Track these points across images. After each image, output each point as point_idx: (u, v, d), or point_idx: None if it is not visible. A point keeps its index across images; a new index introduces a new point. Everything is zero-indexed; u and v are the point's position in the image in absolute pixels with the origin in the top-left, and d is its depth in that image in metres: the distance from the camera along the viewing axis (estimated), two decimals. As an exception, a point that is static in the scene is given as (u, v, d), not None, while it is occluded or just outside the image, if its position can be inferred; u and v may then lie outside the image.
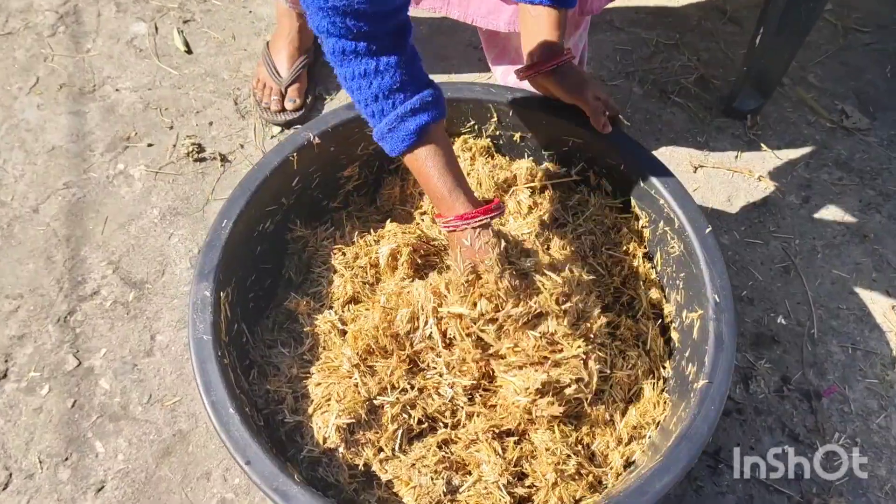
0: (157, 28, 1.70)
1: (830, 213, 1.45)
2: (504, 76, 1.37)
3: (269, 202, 1.09)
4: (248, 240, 1.07)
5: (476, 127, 1.21)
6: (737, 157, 1.52)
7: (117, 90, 1.60)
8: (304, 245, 1.16)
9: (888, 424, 1.22)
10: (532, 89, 1.14)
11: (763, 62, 1.45)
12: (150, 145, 1.52)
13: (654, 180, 1.07)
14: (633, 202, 1.14)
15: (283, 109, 1.53)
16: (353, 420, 0.96)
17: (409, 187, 1.22)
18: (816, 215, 1.45)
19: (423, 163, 0.91)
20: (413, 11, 1.03)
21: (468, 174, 1.17)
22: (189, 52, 1.67)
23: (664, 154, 1.52)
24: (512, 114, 1.17)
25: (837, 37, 1.71)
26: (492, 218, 0.93)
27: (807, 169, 1.51)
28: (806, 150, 1.53)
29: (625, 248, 1.15)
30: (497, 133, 1.22)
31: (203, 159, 1.50)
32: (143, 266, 1.37)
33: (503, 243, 0.94)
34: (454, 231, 0.93)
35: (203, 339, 0.94)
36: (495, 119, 1.19)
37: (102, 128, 1.54)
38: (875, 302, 1.34)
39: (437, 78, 0.97)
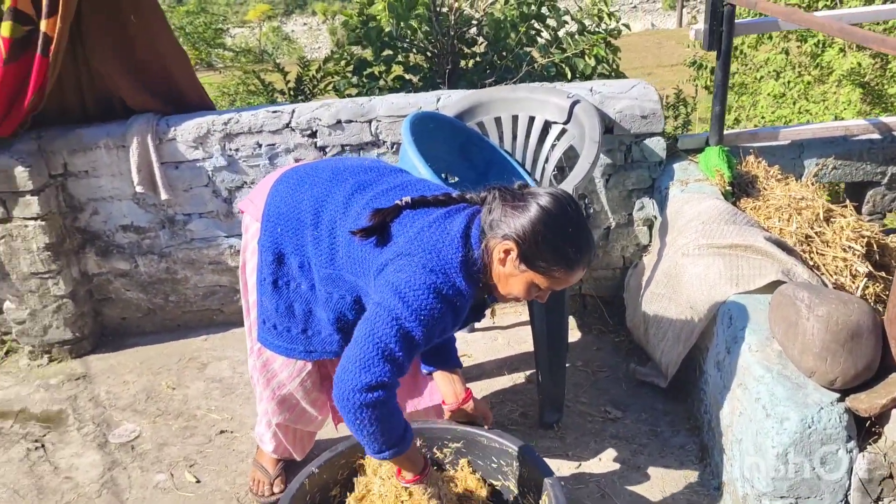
0: (172, 474, 2.55)
1: (619, 462, 2.43)
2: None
3: (299, 506, 1.91)
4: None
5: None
6: (557, 448, 2.52)
7: (155, 515, 2.38)
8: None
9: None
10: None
11: (548, 391, 2.57)
12: (188, 538, 2.26)
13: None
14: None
15: (273, 493, 2.37)
16: None
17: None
18: (609, 468, 2.42)
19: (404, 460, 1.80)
20: None
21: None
22: (198, 481, 2.51)
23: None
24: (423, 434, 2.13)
25: (590, 377, 2.90)
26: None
27: (597, 443, 2.53)
28: (592, 434, 2.57)
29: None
30: (420, 443, 2.14)
31: (227, 535, 2.25)
32: None
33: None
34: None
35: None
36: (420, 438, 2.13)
37: (151, 538, 2.28)
38: None
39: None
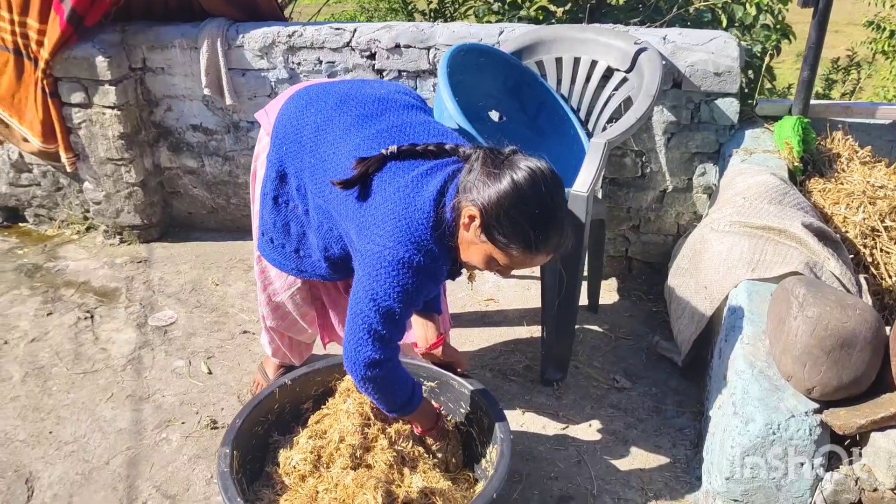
0: (190, 362, 2.72)
1: (608, 432, 2.35)
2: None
3: (260, 415, 1.99)
4: (248, 433, 1.93)
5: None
6: (550, 406, 2.46)
7: (164, 397, 2.55)
8: (278, 446, 2.01)
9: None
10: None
11: (552, 349, 2.49)
12: (182, 423, 2.42)
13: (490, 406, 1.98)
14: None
15: (268, 397, 2.48)
16: None
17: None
18: (595, 436, 2.34)
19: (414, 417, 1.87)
20: None
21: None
22: (210, 373, 2.66)
23: (503, 406, 2.44)
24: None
25: (612, 342, 2.79)
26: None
27: (593, 409, 2.44)
28: (592, 400, 2.49)
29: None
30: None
31: (217, 427, 2.39)
32: (176, 486, 2.17)
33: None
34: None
35: (224, 470, 1.76)
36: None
37: (154, 417, 2.45)
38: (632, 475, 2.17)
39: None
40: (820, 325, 1.54)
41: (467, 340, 2.80)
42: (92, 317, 2.99)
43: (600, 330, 2.85)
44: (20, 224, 3.75)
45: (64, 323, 2.95)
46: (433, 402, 2.08)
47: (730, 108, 2.72)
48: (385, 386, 1.76)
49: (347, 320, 1.72)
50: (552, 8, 4.15)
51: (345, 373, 2.09)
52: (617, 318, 2.93)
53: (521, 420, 2.40)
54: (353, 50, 3.01)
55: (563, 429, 2.37)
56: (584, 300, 2.97)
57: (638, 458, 2.25)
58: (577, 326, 2.84)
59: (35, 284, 3.23)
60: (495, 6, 4.22)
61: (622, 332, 2.84)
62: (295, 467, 1.86)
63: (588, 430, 2.36)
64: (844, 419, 1.54)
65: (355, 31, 2.99)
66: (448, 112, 2.30)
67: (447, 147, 1.70)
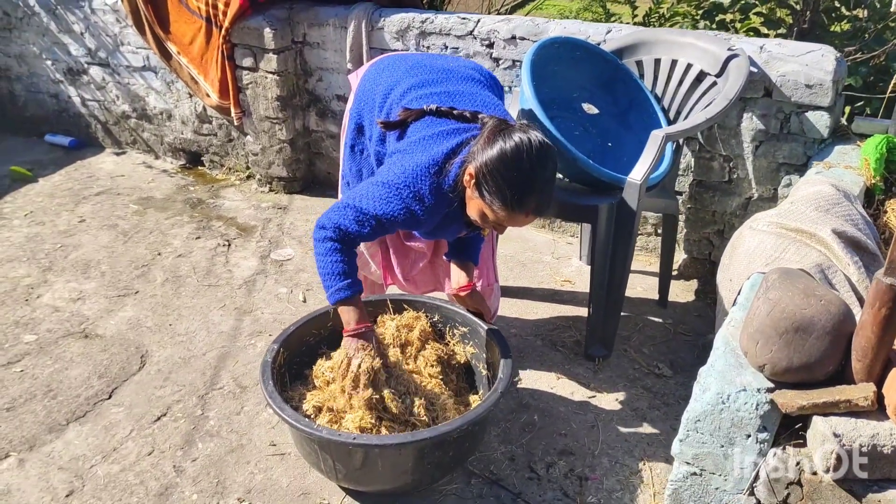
0: (291, 290, 3.18)
1: (632, 408, 2.47)
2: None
3: (312, 328, 2.35)
4: (298, 340, 2.31)
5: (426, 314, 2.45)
6: (585, 377, 2.62)
7: (262, 313, 3.02)
8: (322, 356, 2.37)
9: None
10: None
11: (597, 327, 2.65)
12: (269, 335, 2.87)
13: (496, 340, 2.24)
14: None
15: (342, 327, 2.86)
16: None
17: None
18: (617, 408, 2.48)
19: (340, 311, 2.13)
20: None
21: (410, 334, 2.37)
22: (305, 301, 3.10)
23: (541, 370, 2.65)
24: (442, 311, 2.43)
25: (669, 335, 2.87)
26: (357, 335, 2.08)
27: (625, 387, 2.58)
28: (627, 380, 2.61)
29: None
30: (437, 318, 2.44)
31: (294, 343, 2.81)
32: (249, 380, 2.61)
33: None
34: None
35: (267, 360, 2.15)
36: (438, 314, 2.44)
37: (251, 328, 2.93)
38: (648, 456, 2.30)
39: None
40: (777, 307, 1.62)
41: (532, 311, 3.02)
42: (229, 245, 3.56)
43: (663, 323, 2.94)
44: (199, 167, 4.47)
45: (206, 246, 3.55)
46: (465, 347, 2.35)
47: (820, 121, 2.70)
48: (326, 256, 1.96)
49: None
50: (764, 30, 3.99)
51: (380, 312, 2.41)
52: (685, 315, 3.00)
53: (553, 384, 2.59)
54: (475, 38, 3.32)
55: (590, 398, 2.53)
56: (655, 294, 3.09)
57: (650, 435, 2.36)
58: (644, 317, 2.97)
59: (195, 214, 3.88)
60: (702, 24, 4.11)
61: (682, 329, 2.91)
62: (322, 374, 2.21)
63: (612, 403, 2.51)
64: (790, 399, 1.61)
65: (479, 21, 3.30)
66: (525, 95, 2.55)
67: (480, 116, 1.97)
